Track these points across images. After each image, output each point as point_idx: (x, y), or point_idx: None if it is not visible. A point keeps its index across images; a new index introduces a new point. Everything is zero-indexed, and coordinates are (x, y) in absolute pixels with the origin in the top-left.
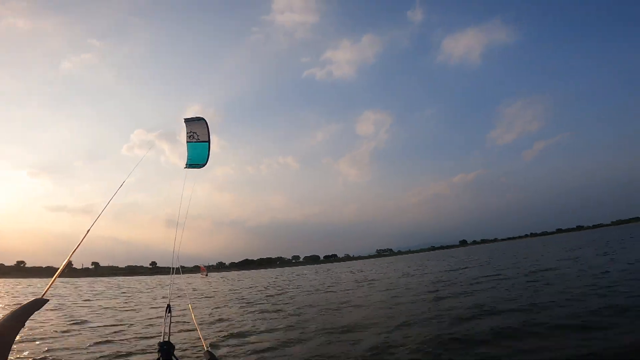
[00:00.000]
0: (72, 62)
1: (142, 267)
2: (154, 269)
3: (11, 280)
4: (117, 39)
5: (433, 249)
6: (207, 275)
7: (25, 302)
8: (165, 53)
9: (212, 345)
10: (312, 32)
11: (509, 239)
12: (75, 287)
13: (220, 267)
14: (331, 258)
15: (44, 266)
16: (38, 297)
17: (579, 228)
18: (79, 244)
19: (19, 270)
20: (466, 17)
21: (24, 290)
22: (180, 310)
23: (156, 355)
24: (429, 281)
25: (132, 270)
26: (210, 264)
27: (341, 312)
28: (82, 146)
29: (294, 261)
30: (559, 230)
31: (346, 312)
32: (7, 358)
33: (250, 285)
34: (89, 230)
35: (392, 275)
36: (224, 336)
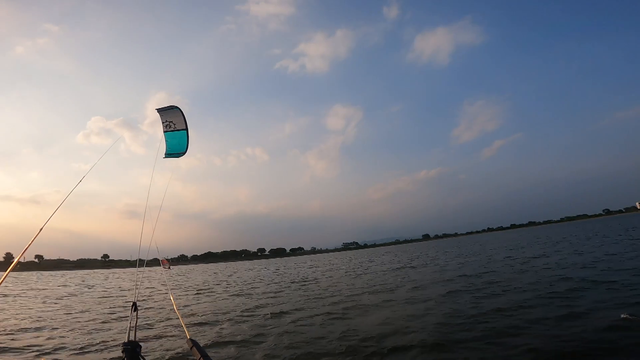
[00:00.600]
0: (25, 46)
1: (94, 260)
2: (107, 262)
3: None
4: (74, 24)
5: (398, 242)
6: (169, 268)
7: None
8: (127, 39)
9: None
10: (287, 24)
11: (469, 233)
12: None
13: (182, 259)
14: (297, 251)
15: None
16: None
17: (531, 224)
18: (33, 239)
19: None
20: (439, 16)
21: None
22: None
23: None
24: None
25: (82, 264)
26: (170, 257)
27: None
28: (31, 133)
29: (259, 254)
30: (513, 226)
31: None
32: None
33: (209, 279)
34: (43, 225)
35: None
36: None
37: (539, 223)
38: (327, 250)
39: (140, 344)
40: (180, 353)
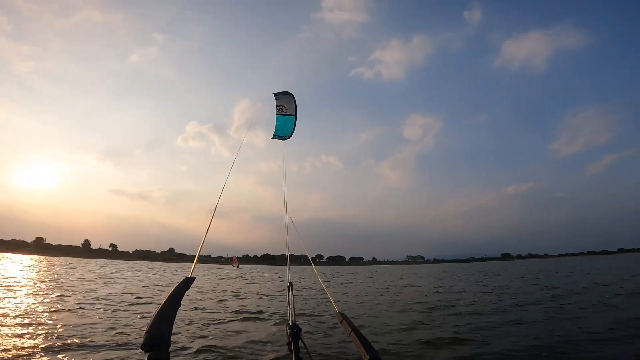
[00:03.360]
0: (139, 54)
1: (154, 252)
2: (172, 255)
3: (78, 260)
4: (175, 33)
5: (473, 259)
6: (238, 267)
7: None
8: (218, 48)
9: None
10: (361, 31)
11: (561, 255)
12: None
13: (247, 259)
14: (357, 260)
15: (108, 248)
16: (188, 275)
17: None
18: (204, 238)
19: (86, 250)
20: (530, 19)
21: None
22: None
23: (286, 338)
24: None
25: (144, 256)
26: (237, 256)
27: None
28: (142, 135)
29: (317, 260)
30: (621, 250)
31: None
32: (170, 337)
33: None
34: (209, 224)
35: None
36: None
37: None
38: (388, 262)
39: (300, 325)
40: (333, 327)
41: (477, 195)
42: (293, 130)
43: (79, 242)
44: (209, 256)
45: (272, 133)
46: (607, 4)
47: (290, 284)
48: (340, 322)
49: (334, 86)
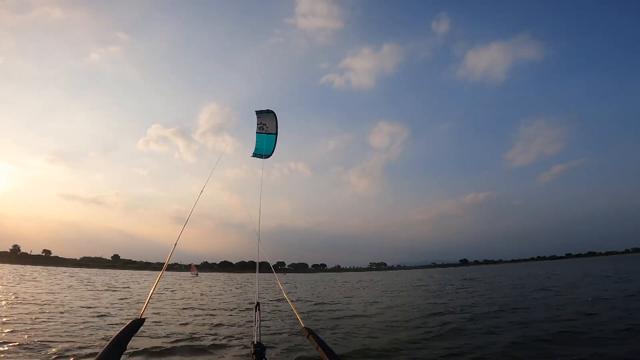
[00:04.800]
0: (99, 54)
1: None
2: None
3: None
4: (141, 34)
5: (434, 266)
6: (197, 275)
7: (124, 325)
8: (185, 49)
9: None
10: (334, 38)
11: (514, 261)
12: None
13: (205, 266)
14: (320, 267)
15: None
16: (136, 317)
17: (591, 254)
18: (173, 249)
19: (16, 256)
20: (493, 30)
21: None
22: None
23: (250, 354)
24: None
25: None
26: (195, 263)
27: None
28: (99, 137)
29: (280, 267)
30: (569, 255)
31: None
32: None
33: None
34: (180, 235)
35: None
36: None
37: (600, 254)
38: (351, 269)
39: (263, 344)
40: (298, 345)
41: (439, 204)
42: (273, 149)
43: (7, 247)
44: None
45: (252, 151)
46: (563, 18)
47: (258, 303)
48: (307, 337)
49: (303, 92)
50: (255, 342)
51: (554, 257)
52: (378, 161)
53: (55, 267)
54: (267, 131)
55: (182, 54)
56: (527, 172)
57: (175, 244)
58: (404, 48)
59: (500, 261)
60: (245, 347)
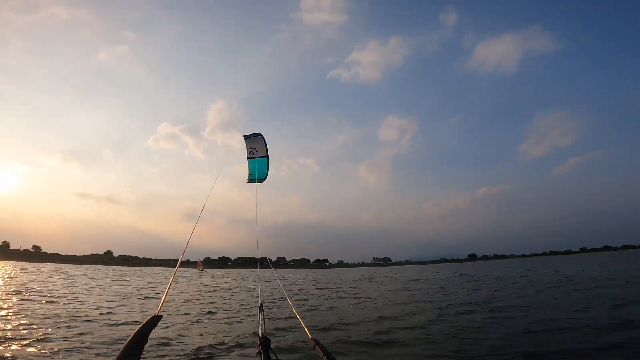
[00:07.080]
0: (107, 53)
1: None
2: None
3: (28, 264)
4: (148, 32)
5: (443, 261)
6: (202, 270)
7: (143, 321)
8: (192, 47)
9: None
10: (340, 32)
11: (524, 256)
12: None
13: (206, 262)
14: (322, 263)
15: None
16: (154, 314)
17: (607, 248)
18: (187, 245)
19: (37, 255)
20: (503, 22)
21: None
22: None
23: (256, 349)
24: None
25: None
26: (200, 259)
27: None
28: (110, 136)
29: (281, 263)
30: (583, 250)
31: None
32: None
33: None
34: (192, 231)
35: None
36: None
37: (617, 248)
38: (354, 265)
39: (269, 337)
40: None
41: (450, 197)
42: (267, 172)
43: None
44: (168, 260)
45: (247, 177)
46: (575, 8)
47: (261, 305)
48: (314, 348)
49: (311, 87)
50: (261, 335)
51: (568, 252)
52: (387, 155)
53: (40, 264)
54: (257, 155)
55: (188, 51)
56: (541, 164)
57: (188, 242)
58: (411, 41)
59: (512, 256)
60: (252, 345)
